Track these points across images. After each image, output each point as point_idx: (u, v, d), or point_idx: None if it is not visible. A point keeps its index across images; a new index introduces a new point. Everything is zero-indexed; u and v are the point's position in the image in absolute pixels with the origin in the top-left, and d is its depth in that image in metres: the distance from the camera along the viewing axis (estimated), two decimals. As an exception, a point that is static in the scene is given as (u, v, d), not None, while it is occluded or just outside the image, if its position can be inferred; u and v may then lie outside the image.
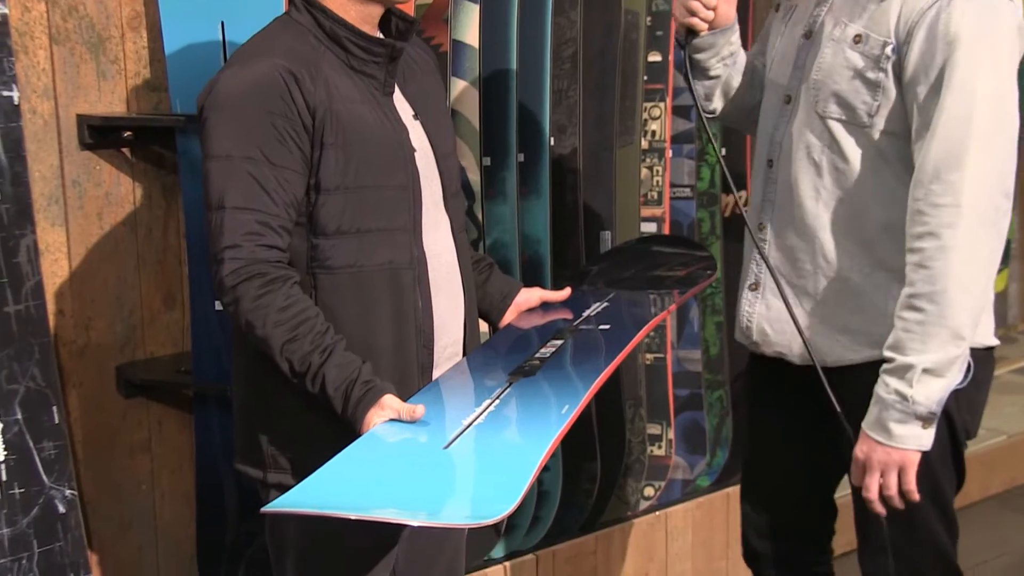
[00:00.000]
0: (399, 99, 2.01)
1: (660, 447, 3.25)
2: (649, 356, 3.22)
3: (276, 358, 1.81)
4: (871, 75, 1.96)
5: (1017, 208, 4.97)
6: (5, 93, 2.26)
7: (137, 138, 2.61)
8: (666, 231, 3.19)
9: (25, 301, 2.28)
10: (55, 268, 2.55)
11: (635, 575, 3.27)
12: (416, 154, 1.97)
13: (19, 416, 2.25)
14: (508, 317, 2.22)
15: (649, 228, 3.17)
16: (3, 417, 2.22)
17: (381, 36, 1.97)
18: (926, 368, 1.91)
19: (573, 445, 2.92)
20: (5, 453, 2.22)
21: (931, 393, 1.92)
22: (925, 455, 1.98)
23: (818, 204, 2.04)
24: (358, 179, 1.88)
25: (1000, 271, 4.97)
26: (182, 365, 2.67)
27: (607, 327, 2.14)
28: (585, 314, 2.22)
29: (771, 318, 2.14)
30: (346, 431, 1.77)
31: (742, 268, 2.25)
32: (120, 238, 2.65)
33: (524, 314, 2.24)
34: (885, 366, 1.95)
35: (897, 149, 1.98)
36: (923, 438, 1.95)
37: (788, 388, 2.21)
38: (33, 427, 2.26)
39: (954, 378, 1.94)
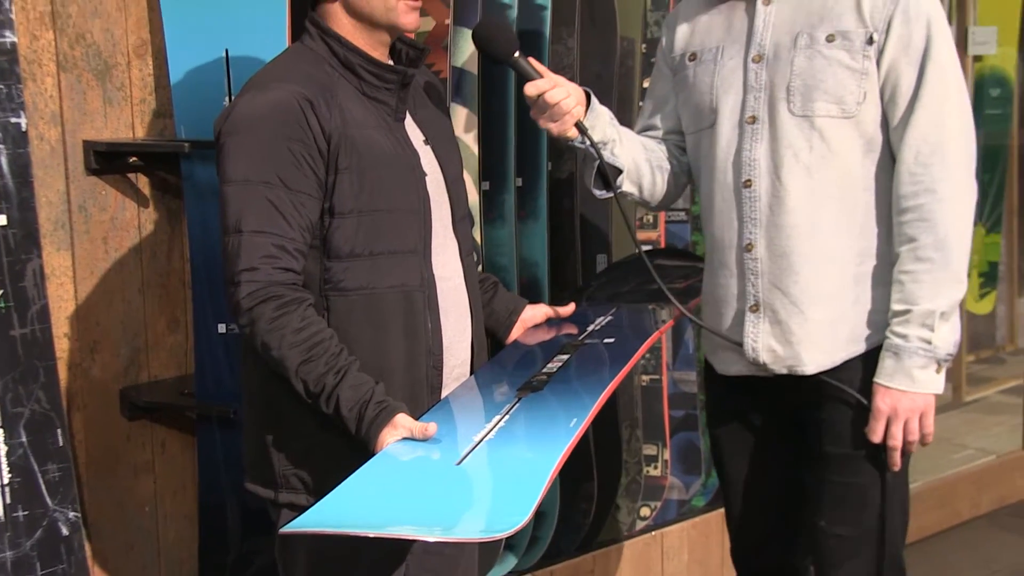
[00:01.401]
0: (410, 124, 2.05)
1: (656, 467, 3.26)
2: (645, 377, 3.23)
3: (291, 379, 1.83)
4: (856, 64, 2.11)
5: (1004, 231, 5.05)
6: (13, 120, 2.29)
7: (142, 163, 2.64)
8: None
9: (31, 324, 2.29)
10: (61, 292, 2.56)
11: (632, 594, 3.29)
12: (427, 178, 2.00)
13: (24, 439, 2.25)
14: (515, 333, 2.26)
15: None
16: (8, 440, 2.23)
17: (392, 63, 2.01)
18: (942, 312, 2.08)
19: (571, 465, 2.87)
20: (10, 476, 2.22)
21: (947, 336, 2.10)
22: (895, 473, 2.16)
23: (812, 204, 2.14)
24: (371, 203, 1.91)
25: (987, 293, 5.04)
26: (185, 387, 2.68)
27: (611, 340, 2.17)
28: (589, 328, 2.25)
29: (778, 334, 2.19)
30: (359, 450, 1.80)
31: (719, 296, 2.26)
32: (125, 262, 2.67)
33: (530, 330, 2.27)
34: (898, 319, 2.11)
35: (880, 135, 2.14)
36: (940, 381, 2.12)
37: (758, 406, 2.30)
38: (37, 449, 2.27)
39: (957, 321, 2.12)
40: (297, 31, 2.40)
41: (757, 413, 2.31)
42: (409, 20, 1.98)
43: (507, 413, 1.86)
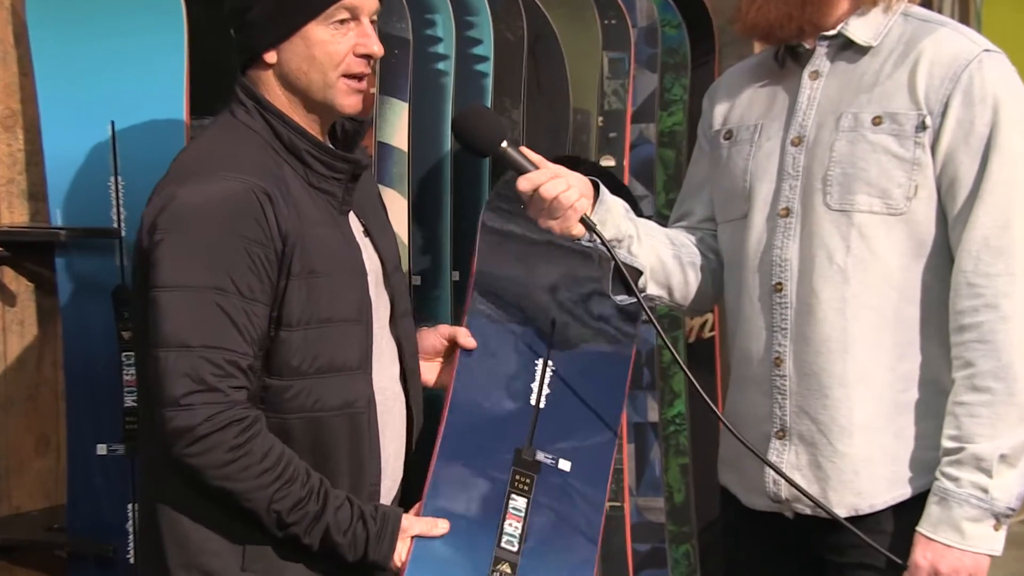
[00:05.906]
0: (351, 216, 1.96)
1: (618, 612, 3.15)
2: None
3: (260, 511, 1.76)
4: (905, 153, 1.94)
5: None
6: None
7: (8, 253, 2.53)
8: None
9: None
10: (-98, 407, 2.42)
11: None
12: (368, 277, 1.92)
13: None
14: (429, 373, 2.15)
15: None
16: None
17: (333, 147, 1.92)
18: (1003, 454, 1.88)
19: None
20: None
21: (1010, 486, 1.89)
22: None
23: (845, 316, 1.97)
24: (318, 312, 1.83)
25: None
26: (55, 521, 2.51)
27: (567, 466, 2.05)
28: (533, 394, 2.10)
29: (805, 466, 2.01)
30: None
31: (743, 414, 2.09)
32: (-15, 371, 2.48)
33: (460, 384, 2.11)
34: (949, 458, 1.91)
35: (934, 236, 1.96)
36: (997, 540, 1.92)
37: (783, 549, 2.10)
38: None
39: None
40: (196, 102, 2.39)
41: (782, 558, 2.11)
42: (350, 102, 1.90)
43: None
